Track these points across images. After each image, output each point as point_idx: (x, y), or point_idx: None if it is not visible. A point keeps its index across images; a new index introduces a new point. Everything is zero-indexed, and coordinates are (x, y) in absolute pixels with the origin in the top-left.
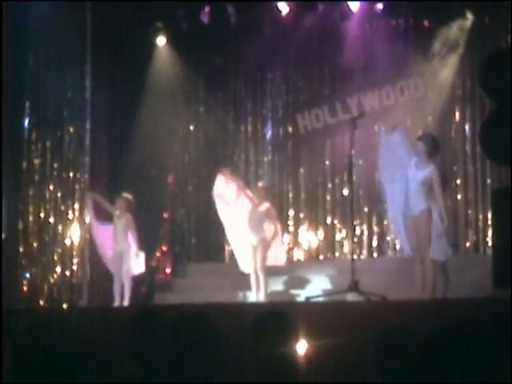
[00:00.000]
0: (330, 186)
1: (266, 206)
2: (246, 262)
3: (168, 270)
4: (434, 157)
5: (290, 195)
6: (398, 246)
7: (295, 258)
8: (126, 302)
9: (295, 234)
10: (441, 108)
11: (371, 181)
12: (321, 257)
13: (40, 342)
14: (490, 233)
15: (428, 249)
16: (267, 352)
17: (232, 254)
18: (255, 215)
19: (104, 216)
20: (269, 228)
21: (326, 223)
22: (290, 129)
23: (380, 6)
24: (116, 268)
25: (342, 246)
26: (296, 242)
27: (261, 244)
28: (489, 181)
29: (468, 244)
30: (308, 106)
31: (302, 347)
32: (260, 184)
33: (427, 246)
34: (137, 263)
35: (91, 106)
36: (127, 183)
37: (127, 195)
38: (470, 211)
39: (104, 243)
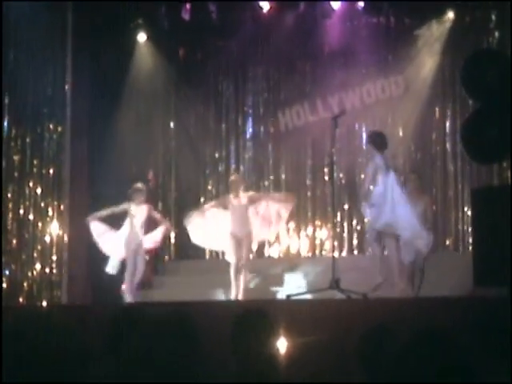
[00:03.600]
0: (310, 183)
1: (244, 196)
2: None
3: (149, 268)
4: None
5: (271, 193)
6: None
7: (276, 256)
8: (136, 299)
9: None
10: (421, 106)
11: (352, 179)
12: (301, 254)
13: (20, 339)
14: (470, 231)
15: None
16: (248, 350)
17: (212, 251)
18: (237, 209)
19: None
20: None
21: (307, 221)
22: (271, 126)
23: (361, 4)
24: (131, 265)
25: (322, 243)
26: (277, 240)
27: (246, 238)
28: (469, 179)
29: (448, 242)
30: (289, 104)
31: (282, 345)
32: (232, 177)
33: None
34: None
35: (71, 103)
36: (107, 180)
37: (139, 185)
38: (450, 210)
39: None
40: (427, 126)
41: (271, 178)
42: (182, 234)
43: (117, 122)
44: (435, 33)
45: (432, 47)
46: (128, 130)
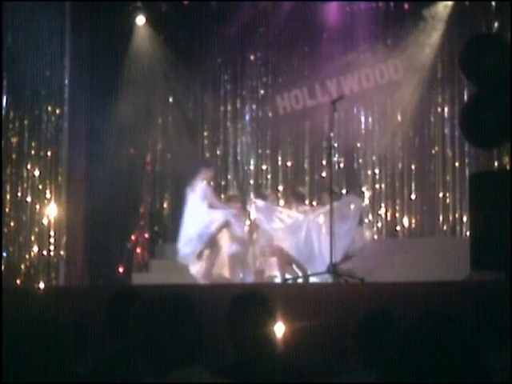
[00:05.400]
0: (308, 167)
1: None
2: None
3: (146, 250)
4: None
5: (269, 177)
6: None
7: None
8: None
9: None
10: (420, 91)
11: (350, 163)
12: None
13: (17, 321)
14: (467, 216)
15: None
16: (245, 333)
17: None
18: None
19: None
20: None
21: (305, 205)
22: (270, 110)
23: None
24: None
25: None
26: None
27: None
28: (467, 164)
29: (445, 227)
30: (287, 88)
31: (279, 329)
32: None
33: None
34: None
35: (69, 85)
36: (106, 162)
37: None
38: (448, 194)
39: None
40: (426, 111)
41: (269, 161)
42: (179, 217)
43: (115, 105)
44: (434, 17)
45: (430, 32)
46: (126, 113)
